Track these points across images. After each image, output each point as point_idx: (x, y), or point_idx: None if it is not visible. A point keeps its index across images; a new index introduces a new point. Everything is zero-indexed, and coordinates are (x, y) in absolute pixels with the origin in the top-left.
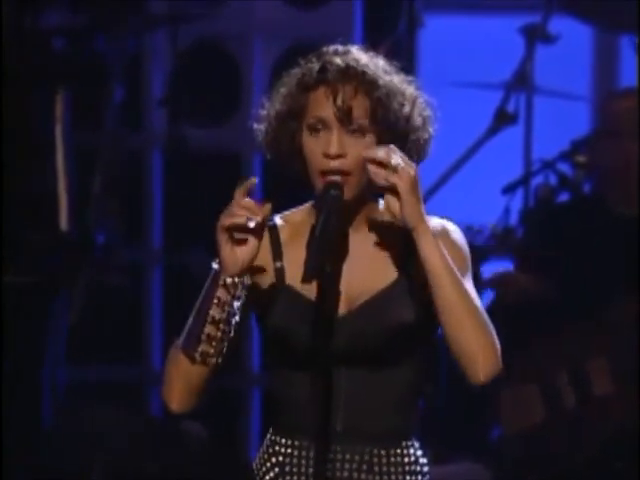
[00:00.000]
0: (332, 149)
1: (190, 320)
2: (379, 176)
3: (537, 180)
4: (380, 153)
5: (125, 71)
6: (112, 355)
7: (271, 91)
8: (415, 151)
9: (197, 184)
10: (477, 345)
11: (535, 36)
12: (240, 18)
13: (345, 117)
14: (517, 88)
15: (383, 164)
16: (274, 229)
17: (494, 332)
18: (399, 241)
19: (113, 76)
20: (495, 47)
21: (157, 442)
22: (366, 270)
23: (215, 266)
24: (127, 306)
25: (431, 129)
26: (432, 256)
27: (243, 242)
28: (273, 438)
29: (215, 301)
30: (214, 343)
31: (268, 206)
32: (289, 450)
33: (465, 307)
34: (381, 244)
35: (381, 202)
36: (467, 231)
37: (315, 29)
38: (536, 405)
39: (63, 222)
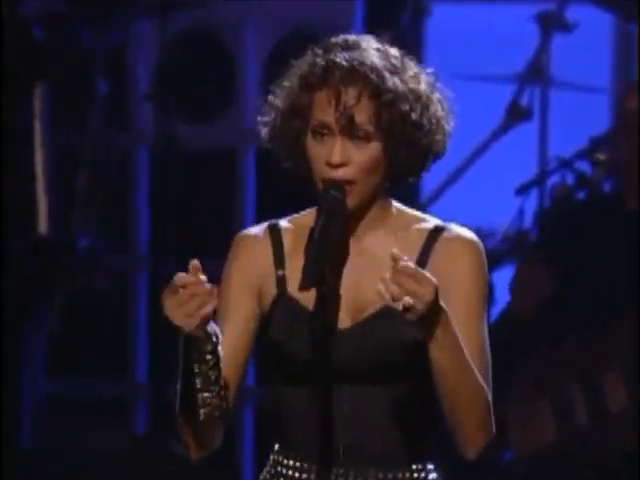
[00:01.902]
0: (334, 158)
1: (178, 388)
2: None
3: (553, 180)
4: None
5: (110, 63)
6: (96, 367)
7: (278, 80)
8: (429, 152)
9: (188, 185)
10: (471, 427)
11: (551, 24)
12: (233, 6)
13: (347, 124)
14: (531, 81)
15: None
16: (278, 234)
17: (491, 407)
18: (410, 250)
19: (97, 68)
20: (507, 36)
21: (145, 463)
22: (373, 281)
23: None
24: (111, 315)
25: (448, 126)
26: (439, 352)
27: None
28: (277, 458)
29: (196, 371)
30: (212, 404)
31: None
32: (290, 472)
33: (464, 396)
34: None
35: (394, 204)
36: (477, 234)
37: (313, 17)
38: (548, 422)
39: (42, 225)
